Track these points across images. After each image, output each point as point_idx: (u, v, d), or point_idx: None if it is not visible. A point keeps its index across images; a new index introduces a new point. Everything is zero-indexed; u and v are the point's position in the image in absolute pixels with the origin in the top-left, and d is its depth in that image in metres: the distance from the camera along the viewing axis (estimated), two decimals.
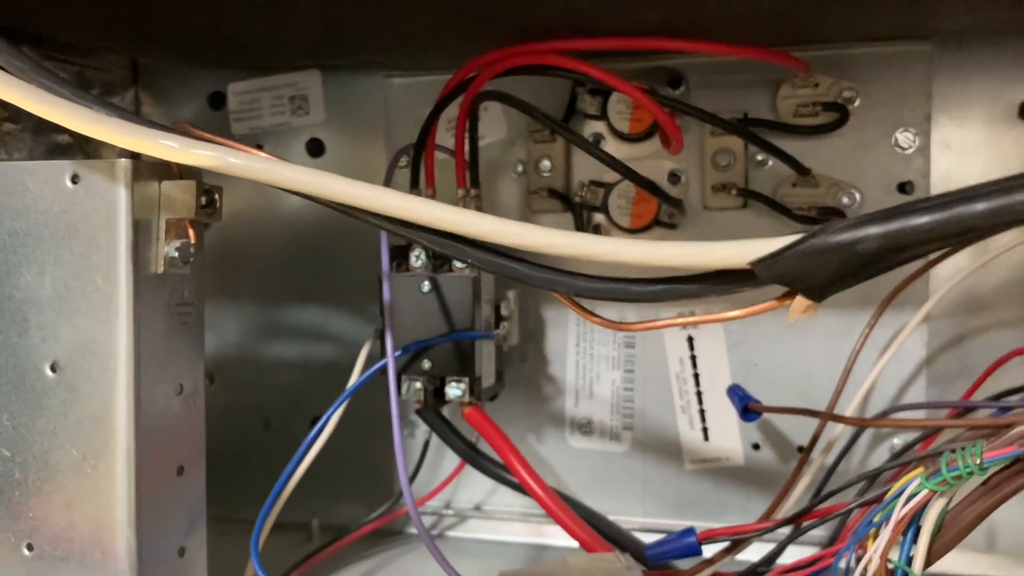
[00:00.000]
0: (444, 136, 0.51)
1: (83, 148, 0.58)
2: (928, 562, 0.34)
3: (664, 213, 0.52)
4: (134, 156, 0.36)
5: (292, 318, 0.61)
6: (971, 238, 0.27)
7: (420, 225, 0.30)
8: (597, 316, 0.32)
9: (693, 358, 0.54)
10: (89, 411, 0.39)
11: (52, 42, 0.54)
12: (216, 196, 0.40)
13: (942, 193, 0.26)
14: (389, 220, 0.30)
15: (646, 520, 0.54)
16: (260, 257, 0.61)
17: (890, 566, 0.34)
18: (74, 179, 0.38)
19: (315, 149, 0.60)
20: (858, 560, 0.35)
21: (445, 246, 0.31)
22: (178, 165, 0.39)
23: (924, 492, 0.33)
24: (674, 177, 0.53)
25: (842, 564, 0.36)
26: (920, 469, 0.34)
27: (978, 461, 0.32)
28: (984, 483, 0.34)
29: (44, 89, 0.32)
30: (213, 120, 0.60)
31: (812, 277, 0.27)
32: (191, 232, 0.40)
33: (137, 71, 0.63)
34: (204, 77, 0.61)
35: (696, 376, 0.54)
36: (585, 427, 0.56)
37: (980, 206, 0.25)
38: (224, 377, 0.60)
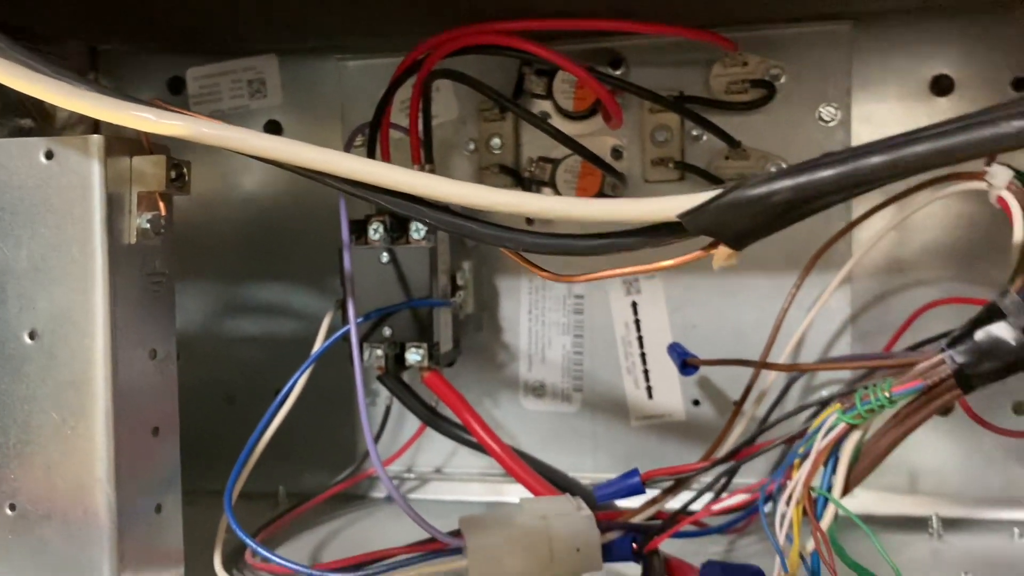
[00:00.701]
0: (398, 116, 0.54)
1: (44, 132, 0.59)
2: (846, 488, 0.38)
3: (608, 186, 0.55)
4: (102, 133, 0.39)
5: (254, 296, 0.63)
6: (870, 188, 0.30)
7: (380, 188, 0.32)
8: (545, 270, 0.35)
9: (637, 322, 0.57)
10: (67, 376, 0.40)
11: (10, 28, 0.55)
12: (185, 170, 0.42)
13: (844, 149, 0.29)
14: (352, 184, 0.33)
15: (596, 475, 0.57)
16: (221, 237, 0.63)
17: (812, 493, 0.38)
18: (48, 155, 0.40)
19: (273, 131, 0.62)
20: (784, 490, 0.38)
21: (404, 207, 0.33)
22: (148, 140, 0.41)
23: (841, 425, 0.37)
24: (616, 152, 0.56)
25: (770, 493, 0.39)
26: (838, 405, 0.37)
27: (887, 394, 0.36)
28: (894, 416, 0.37)
29: (23, 65, 0.33)
30: (173, 104, 0.61)
31: (733, 227, 0.31)
32: (162, 205, 0.42)
33: (96, 57, 0.64)
34: (163, 62, 0.63)
35: (640, 339, 0.57)
36: (538, 390, 0.59)
37: (875, 159, 0.29)
38: (188, 354, 0.62)
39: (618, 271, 0.34)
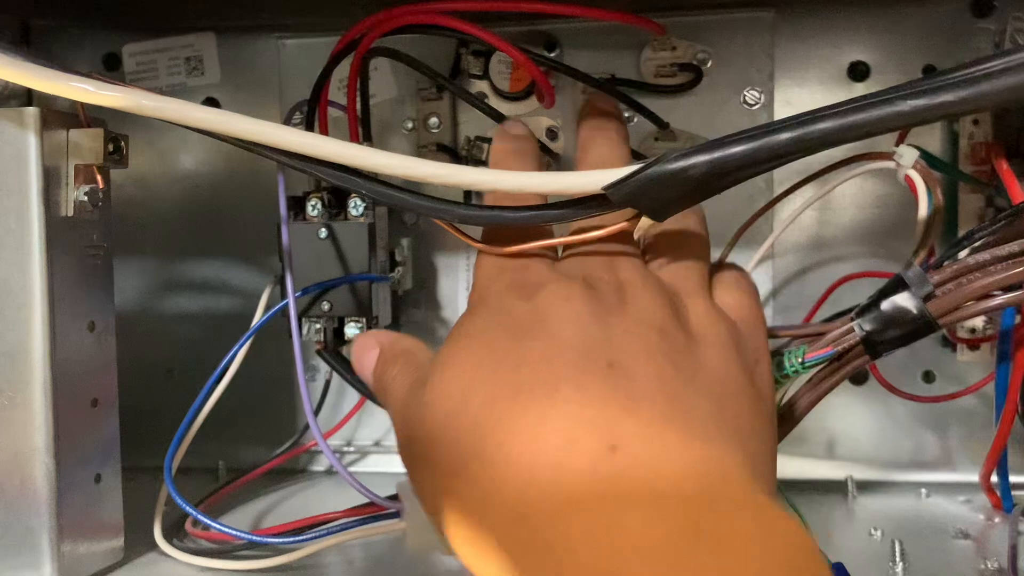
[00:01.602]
0: (336, 95, 0.54)
1: None
2: None
3: (543, 165, 0.57)
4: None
5: (192, 272, 0.63)
6: (781, 162, 0.32)
7: (316, 159, 0.33)
8: (478, 241, 0.36)
9: None
10: (4, 347, 0.41)
11: None
12: (123, 143, 0.43)
13: (756, 126, 0.31)
14: (289, 155, 0.34)
15: None
16: (159, 213, 0.63)
17: None
18: None
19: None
20: None
21: (339, 179, 0.34)
22: (86, 114, 0.41)
23: None
24: (551, 133, 0.58)
25: None
26: None
27: (800, 360, 0.38)
28: (808, 381, 0.40)
29: None
30: None
31: (654, 198, 0.32)
32: (99, 178, 0.42)
33: (28, 32, 0.63)
34: (98, 38, 0.62)
35: None
36: None
37: (783, 136, 0.31)
38: (128, 330, 0.62)
39: (546, 243, 0.35)
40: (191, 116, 0.32)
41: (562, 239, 0.35)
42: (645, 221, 0.34)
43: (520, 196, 0.35)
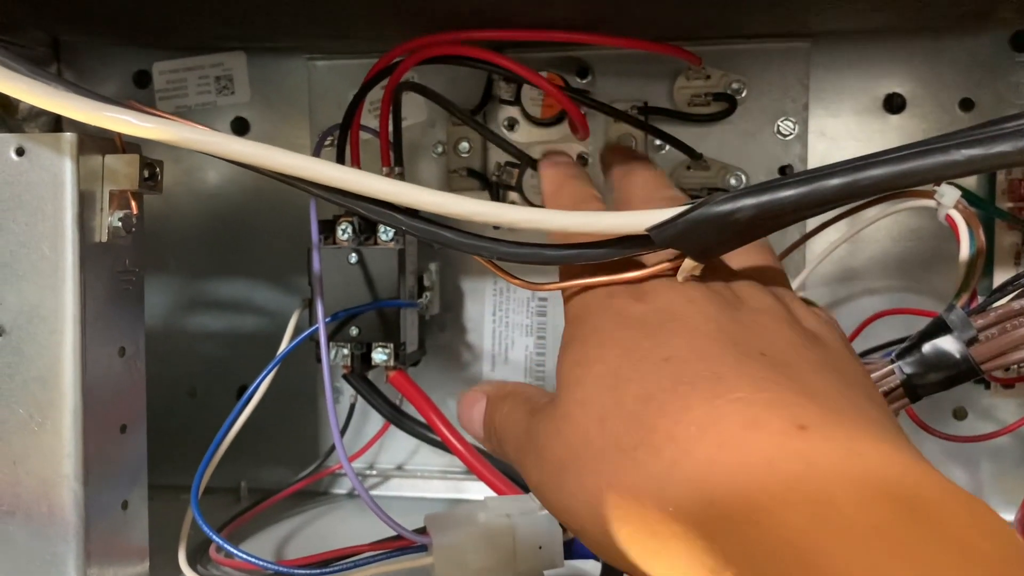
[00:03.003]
0: (367, 117, 0.54)
1: (6, 123, 0.59)
2: None
3: None
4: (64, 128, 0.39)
5: (217, 291, 0.63)
6: (829, 208, 0.32)
7: (361, 195, 0.33)
8: (518, 278, 0.36)
9: None
10: (35, 372, 0.41)
11: None
12: (158, 169, 0.42)
13: (806, 170, 0.31)
14: (331, 190, 0.33)
15: None
16: (184, 232, 0.63)
17: None
18: (19, 152, 0.40)
19: (240, 128, 0.62)
20: None
21: (381, 215, 0.34)
22: (121, 139, 0.41)
23: None
24: (582, 159, 0.57)
25: None
26: None
27: None
28: None
29: (10, 70, 0.34)
30: (138, 98, 0.61)
31: (699, 241, 0.32)
32: (133, 203, 0.42)
33: (58, 48, 0.64)
34: (128, 55, 0.63)
35: None
36: None
37: (834, 181, 0.30)
38: (151, 348, 0.62)
39: (586, 281, 0.35)
40: (234, 150, 0.32)
41: (600, 279, 0.35)
42: (688, 263, 0.33)
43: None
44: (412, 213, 0.35)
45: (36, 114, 0.60)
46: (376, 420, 0.60)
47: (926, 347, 0.37)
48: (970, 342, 0.36)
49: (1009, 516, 0.51)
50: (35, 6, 0.53)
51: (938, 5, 0.48)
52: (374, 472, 0.62)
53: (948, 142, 0.29)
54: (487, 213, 0.33)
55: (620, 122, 0.56)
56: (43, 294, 0.40)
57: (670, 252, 0.33)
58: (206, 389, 0.63)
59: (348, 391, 0.59)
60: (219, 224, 0.63)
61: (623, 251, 0.34)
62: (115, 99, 0.34)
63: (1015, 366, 0.50)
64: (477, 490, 0.56)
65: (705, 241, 0.32)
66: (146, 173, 0.42)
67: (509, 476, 0.51)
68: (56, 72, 0.63)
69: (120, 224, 0.41)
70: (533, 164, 0.53)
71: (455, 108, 0.52)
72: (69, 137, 0.40)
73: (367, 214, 0.34)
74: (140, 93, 0.62)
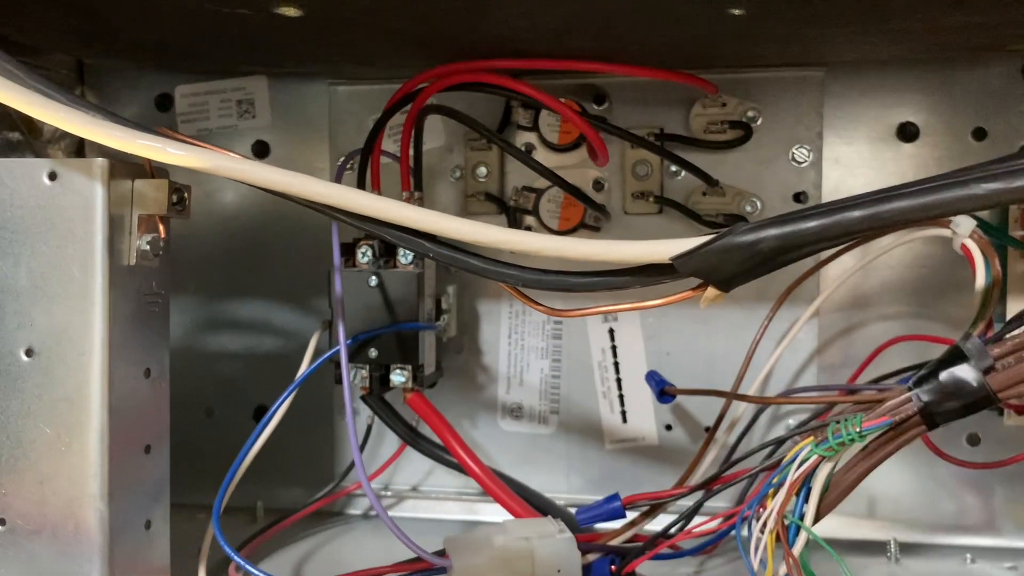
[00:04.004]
0: (386, 142, 0.55)
1: (32, 145, 0.60)
2: (817, 516, 0.40)
3: (590, 217, 0.57)
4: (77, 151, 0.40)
5: (234, 312, 0.64)
6: (851, 239, 0.32)
7: (387, 222, 0.34)
8: (541, 304, 0.36)
9: (614, 348, 0.59)
10: (63, 393, 0.41)
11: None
12: (186, 194, 0.43)
13: (828, 202, 0.32)
14: (360, 218, 0.34)
15: (570, 496, 0.59)
16: (203, 252, 0.63)
17: (786, 521, 0.40)
18: (51, 176, 0.41)
19: (261, 151, 0.63)
20: (758, 517, 0.40)
21: (407, 241, 0.35)
22: (151, 164, 0.42)
23: (814, 457, 0.39)
24: (598, 185, 0.58)
25: (746, 519, 0.41)
26: (811, 438, 0.39)
27: (858, 429, 0.38)
28: (863, 449, 0.39)
29: (36, 91, 0.34)
30: (160, 121, 0.63)
31: (721, 270, 0.33)
32: (161, 227, 0.43)
33: (83, 71, 0.64)
34: (151, 78, 0.63)
35: (616, 365, 0.59)
36: (516, 412, 0.61)
37: (856, 213, 0.31)
38: (169, 368, 0.63)
39: (609, 308, 0.35)
40: (265, 178, 0.33)
41: (624, 306, 0.35)
42: (711, 292, 0.34)
43: None
44: (436, 239, 0.35)
45: (60, 136, 0.61)
46: (391, 441, 0.60)
47: (943, 375, 0.37)
48: (987, 371, 0.37)
49: (1021, 543, 0.51)
50: (62, 31, 0.54)
51: (950, 37, 0.49)
52: (389, 493, 0.62)
53: (969, 176, 0.30)
54: (515, 242, 0.33)
55: (637, 148, 0.57)
56: (72, 316, 0.41)
57: (693, 280, 0.34)
58: (223, 409, 0.63)
59: (365, 412, 0.59)
60: (237, 245, 0.63)
61: (647, 280, 0.34)
62: (145, 125, 0.35)
63: None
64: (492, 512, 0.56)
65: (728, 270, 0.33)
66: (175, 198, 0.42)
67: (525, 499, 0.52)
68: (80, 95, 0.64)
69: (148, 248, 0.42)
70: (560, 183, 0.54)
71: (481, 127, 0.53)
72: (101, 163, 0.40)
73: (395, 241, 0.35)
74: (162, 116, 0.63)
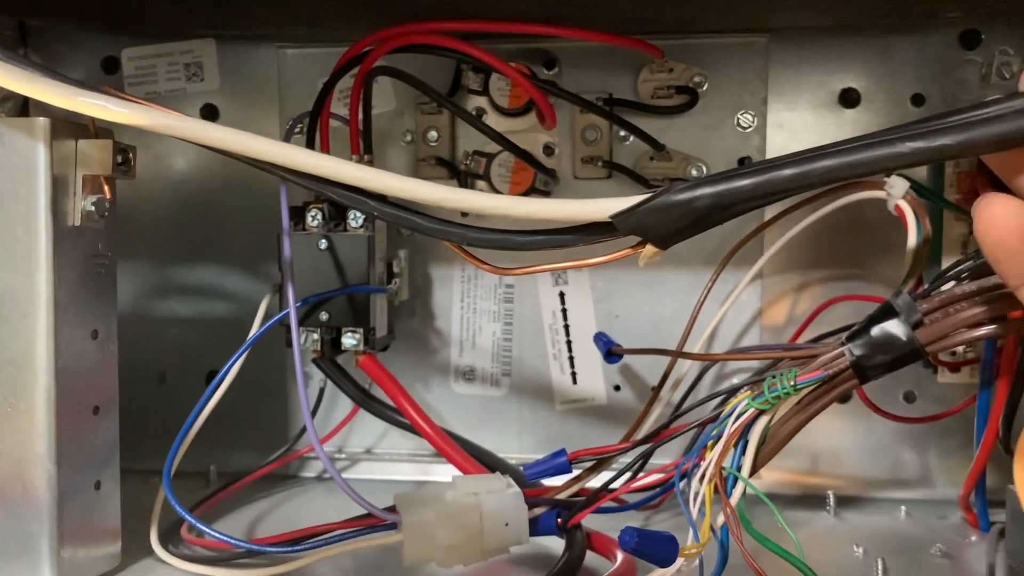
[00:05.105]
0: (336, 106, 0.55)
1: None
2: (754, 468, 0.41)
3: (539, 181, 0.58)
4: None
5: (185, 276, 0.64)
6: (783, 197, 0.33)
7: (333, 181, 0.34)
8: (486, 263, 0.37)
9: (564, 311, 0.60)
10: (8, 355, 0.41)
11: None
12: (131, 154, 0.43)
13: (760, 161, 0.33)
14: (304, 176, 0.34)
15: (522, 456, 0.60)
16: (153, 218, 0.63)
17: (724, 472, 0.41)
18: None
19: (209, 115, 0.62)
20: (697, 468, 0.42)
21: (353, 200, 0.35)
22: (95, 124, 0.42)
23: (751, 411, 0.40)
24: (548, 149, 0.59)
25: (685, 472, 0.42)
26: (748, 392, 0.41)
27: (792, 383, 0.39)
28: (798, 402, 0.41)
29: None
30: (107, 84, 0.61)
31: (659, 228, 0.34)
32: (106, 188, 0.43)
33: (25, 32, 0.63)
34: (96, 41, 0.63)
35: (567, 327, 0.60)
36: (468, 375, 0.62)
37: (787, 172, 0.32)
38: (120, 334, 0.62)
39: (552, 266, 0.36)
40: (208, 136, 0.33)
41: (566, 264, 0.36)
42: (649, 249, 0.35)
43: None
44: (382, 199, 0.36)
45: (3, 98, 0.60)
46: (345, 404, 0.61)
47: (874, 330, 0.39)
48: (915, 325, 0.38)
49: (953, 495, 0.54)
50: None
51: (889, 5, 0.50)
52: (343, 455, 0.63)
53: (894, 135, 0.31)
54: (457, 200, 0.34)
55: (587, 113, 0.57)
56: (16, 277, 0.41)
57: (633, 238, 0.35)
58: (175, 374, 0.63)
59: (317, 376, 0.60)
60: (188, 210, 0.63)
61: (588, 237, 0.35)
62: (89, 84, 0.35)
63: (959, 349, 0.53)
64: (445, 472, 0.57)
65: (666, 228, 0.34)
66: (119, 158, 0.42)
67: (476, 457, 0.53)
68: (23, 57, 0.63)
69: (93, 208, 0.42)
70: (511, 147, 0.54)
71: (431, 91, 0.53)
72: (42, 122, 0.40)
73: (339, 199, 0.35)
74: (109, 79, 0.62)
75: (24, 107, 0.61)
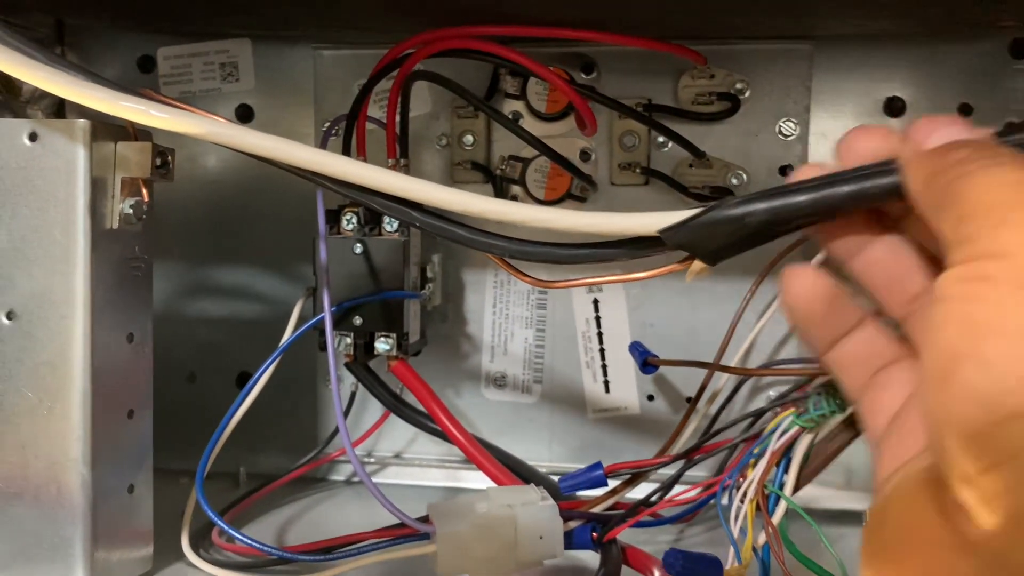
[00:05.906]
0: (372, 108, 0.55)
1: (10, 105, 0.59)
2: (797, 487, 0.40)
3: (576, 187, 0.57)
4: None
5: (217, 277, 0.63)
6: (840, 214, 0.32)
7: (377, 191, 0.34)
8: (527, 275, 0.36)
9: (598, 319, 0.59)
10: (45, 357, 0.41)
11: None
12: (169, 157, 0.43)
13: (817, 176, 0.32)
14: (346, 185, 0.34)
15: (552, 464, 0.60)
16: (186, 218, 0.63)
17: (766, 491, 0.40)
18: (32, 137, 0.40)
19: (244, 115, 0.62)
20: (739, 487, 0.41)
21: (394, 210, 0.35)
22: (134, 127, 0.42)
23: (795, 428, 0.39)
24: (585, 155, 0.58)
25: (726, 489, 0.42)
26: (792, 409, 0.40)
27: (838, 402, 0.38)
28: (843, 421, 0.40)
29: (19, 52, 0.34)
30: (142, 83, 0.61)
31: (708, 244, 0.33)
32: (144, 191, 0.43)
33: (62, 30, 0.63)
34: (133, 39, 0.62)
35: (600, 335, 0.60)
36: (499, 381, 0.61)
37: (845, 188, 0.31)
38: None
39: (593, 280, 0.35)
40: (252, 144, 0.32)
41: (610, 278, 0.35)
42: (697, 264, 0.34)
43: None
44: (422, 208, 0.35)
45: (40, 96, 0.60)
46: (375, 409, 0.60)
47: None
48: None
49: None
50: None
51: (937, 12, 0.49)
52: (372, 460, 0.63)
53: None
54: (503, 212, 0.33)
55: (625, 118, 0.56)
56: (54, 279, 0.41)
57: (680, 253, 0.34)
58: (205, 374, 0.63)
59: (348, 379, 0.59)
60: (220, 211, 0.63)
61: (634, 252, 0.34)
62: (129, 87, 0.34)
63: None
64: (474, 479, 0.57)
65: (716, 244, 0.33)
66: (158, 161, 0.42)
67: (508, 466, 0.52)
68: (60, 55, 0.63)
69: (131, 211, 0.42)
70: (548, 152, 0.54)
71: (469, 95, 0.53)
72: (83, 124, 0.40)
73: (381, 209, 0.34)
74: (144, 78, 0.62)
75: (60, 106, 0.61)
